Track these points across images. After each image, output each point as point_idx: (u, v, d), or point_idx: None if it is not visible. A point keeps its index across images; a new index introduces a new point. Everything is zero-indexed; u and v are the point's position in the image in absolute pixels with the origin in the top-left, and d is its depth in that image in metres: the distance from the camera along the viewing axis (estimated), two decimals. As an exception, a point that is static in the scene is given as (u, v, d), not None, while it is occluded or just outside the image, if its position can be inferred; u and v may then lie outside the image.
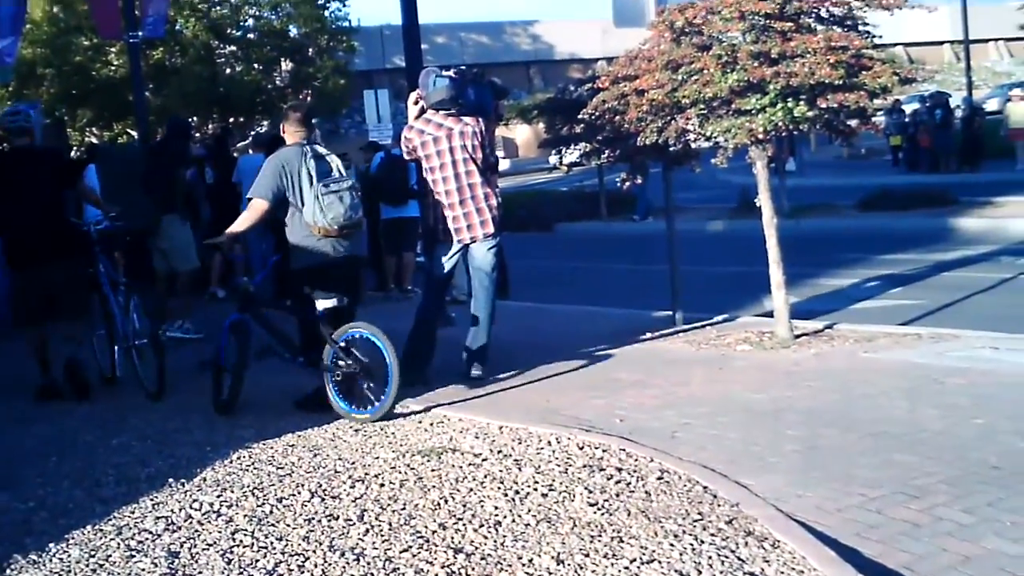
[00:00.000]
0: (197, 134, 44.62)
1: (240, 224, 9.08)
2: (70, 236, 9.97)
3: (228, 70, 46.35)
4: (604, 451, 6.94)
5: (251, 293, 9.21)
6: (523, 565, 5.08)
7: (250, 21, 47.74)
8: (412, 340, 9.57)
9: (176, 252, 12.69)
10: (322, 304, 8.63)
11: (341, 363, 8.49)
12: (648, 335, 10.98)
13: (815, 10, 9.64)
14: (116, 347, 10.32)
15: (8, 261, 10.13)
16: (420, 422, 8.11)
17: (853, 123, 9.97)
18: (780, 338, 10.10)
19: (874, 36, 9.66)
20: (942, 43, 74.60)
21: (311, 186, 8.62)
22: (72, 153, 30.22)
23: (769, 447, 6.87)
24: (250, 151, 17.94)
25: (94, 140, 41.43)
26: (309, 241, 8.75)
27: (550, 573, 4.97)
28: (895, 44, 62.14)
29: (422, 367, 9.50)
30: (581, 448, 7.04)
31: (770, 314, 10.75)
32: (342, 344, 8.50)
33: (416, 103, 9.67)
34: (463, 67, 10.26)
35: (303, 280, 8.81)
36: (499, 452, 7.09)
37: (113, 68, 41.43)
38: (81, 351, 10.19)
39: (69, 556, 5.75)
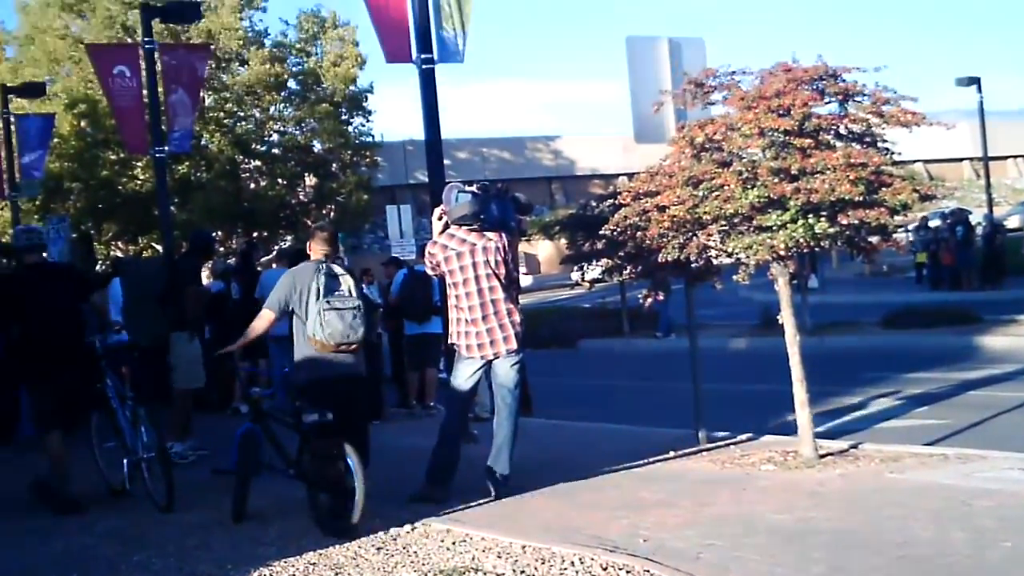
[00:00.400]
0: (221, 248, 45.07)
1: (248, 334, 9.38)
2: (83, 349, 10.25)
3: (252, 185, 46.85)
4: (628, 572, 6.86)
5: (262, 406, 9.48)
6: None
7: (274, 136, 48.34)
8: (436, 456, 9.55)
9: (181, 369, 12.59)
10: (307, 418, 8.81)
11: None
12: (672, 454, 10.89)
13: (834, 127, 9.69)
14: (126, 460, 10.30)
15: (22, 375, 10.40)
16: (442, 541, 8.03)
17: (874, 240, 9.95)
18: (805, 458, 10.00)
19: (893, 152, 9.69)
20: (962, 160, 74.98)
21: (316, 301, 8.90)
22: (98, 267, 30.42)
23: (794, 569, 6.76)
24: (274, 265, 18.06)
25: (119, 254, 41.73)
26: (311, 355, 8.99)
27: None
28: (915, 160, 62.45)
29: (445, 484, 9.46)
30: (604, 569, 6.95)
31: (794, 433, 10.66)
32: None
33: (440, 218, 9.73)
34: (487, 182, 10.33)
35: (305, 393, 9.04)
36: (521, 572, 7.01)
37: (139, 182, 41.92)
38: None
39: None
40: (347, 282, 9.13)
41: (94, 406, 10.54)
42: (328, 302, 8.90)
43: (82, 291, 10.71)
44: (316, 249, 9.41)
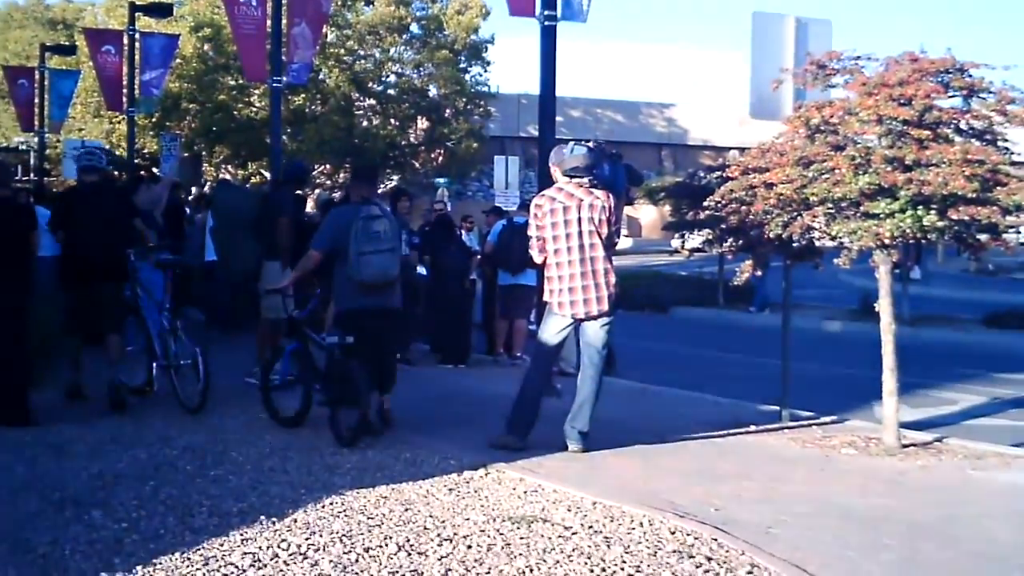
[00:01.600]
0: (328, 181, 45.45)
1: (297, 271, 10.51)
2: (119, 262, 11.32)
3: (365, 123, 47.17)
4: (696, 539, 6.88)
5: (295, 320, 10.52)
6: (601, 644, 5.04)
7: (392, 77, 48.59)
8: (517, 406, 9.64)
9: (269, 298, 12.64)
10: (328, 339, 9.88)
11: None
12: (753, 427, 10.86)
13: (955, 121, 9.55)
14: (155, 364, 11.53)
15: (61, 278, 11.39)
16: (514, 489, 8.10)
17: (983, 238, 9.80)
18: (887, 445, 9.93)
19: (1013, 152, 9.53)
20: (1083, 166, 73.40)
21: (355, 242, 9.75)
22: (206, 188, 30.86)
23: (864, 555, 6.74)
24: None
25: (228, 176, 42.27)
26: (348, 290, 9.91)
27: (628, 655, 4.93)
28: (1034, 163, 61.31)
29: (523, 434, 9.54)
30: (673, 533, 6.98)
31: (879, 420, 10.58)
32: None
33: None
34: (602, 142, 10.36)
35: (339, 323, 9.99)
36: (590, 527, 7.05)
37: (254, 109, 42.40)
38: (119, 371, 11.22)
39: (155, 581, 5.83)
40: (384, 224, 9.92)
41: (128, 313, 11.57)
42: (366, 244, 9.76)
43: (128, 212, 11.71)
44: (356, 192, 10.51)
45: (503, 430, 9.64)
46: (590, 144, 9.82)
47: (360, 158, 44.89)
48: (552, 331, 9.65)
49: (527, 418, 9.59)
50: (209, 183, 39.94)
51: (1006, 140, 9.56)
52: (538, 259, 9.74)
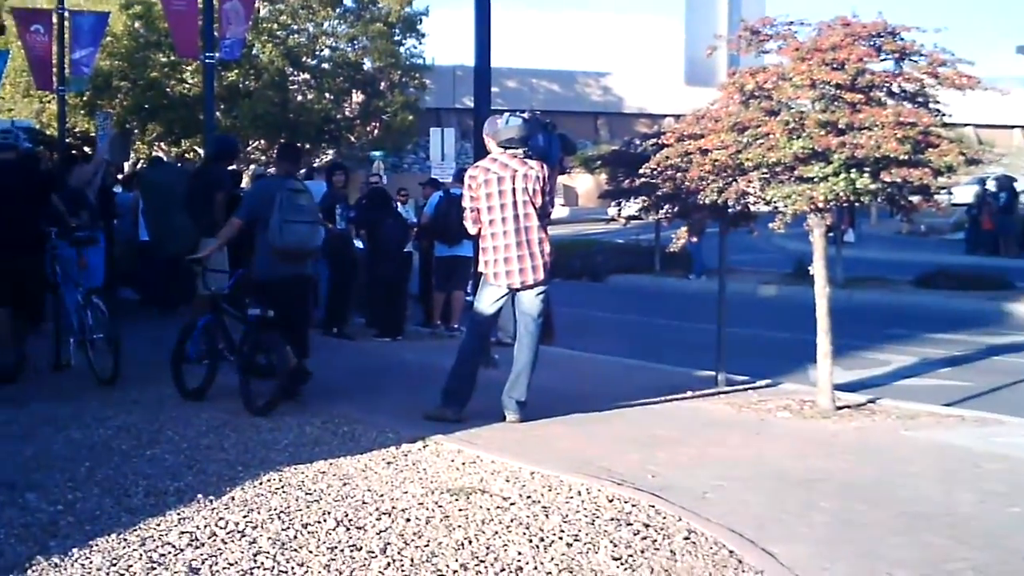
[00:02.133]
0: (263, 157, 45.13)
1: (219, 240, 10.87)
2: (34, 239, 11.58)
3: (299, 97, 46.78)
4: (633, 506, 6.91)
5: (216, 294, 10.76)
6: (539, 612, 5.06)
7: (325, 51, 48.21)
8: (452, 377, 9.66)
9: (211, 275, 12.56)
10: (251, 312, 10.15)
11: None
12: (689, 393, 10.92)
13: (887, 84, 9.61)
14: (72, 339, 11.79)
15: None
16: (452, 460, 8.11)
17: (915, 199, 9.88)
18: (821, 408, 10.02)
19: (944, 114, 9.60)
20: (1013, 127, 74.08)
21: (277, 212, 10.09)
22: (137, 165, 30.57)
23: (799, 516, 6.81)
24: (314, 176, 18.10)
25: (161, 154, 41.84)
26: (266, 259, 10.28)
27: (566, 623, 4.95)
28: (965, 124, 61.76)
29: (460, 405, 9.56)
30: (610, 501, 7.01)
31: (814, 383, 10.67)
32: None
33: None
34: (537, 112, 10.40)
35: (258, 291, 10.31)
36: (528, 497, 7.07)
37: (187, 86, 41.95)
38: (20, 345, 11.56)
39: (91, 563, 5.80)
40: (306, 199, 10.51)
41: (46, 290, 11.98)
42: (290, 213, 10.15)
43: (43, 190, 11.87)
44: (279, 166, 11.21)
45: (439, 402, 9.63)
46: (525, 115, 9.85)
47: (295, 133, 44.60)
48: (487, 301, 9.67)
49: (463, 389, 9.61)
50: (141, 161, 39.55)
51: (937, 102, 9.63)
52: (472, 230, 9.77)
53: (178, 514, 6.69)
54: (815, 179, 9.33)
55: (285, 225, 10.10)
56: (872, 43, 9.58)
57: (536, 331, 9.61)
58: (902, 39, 9.62)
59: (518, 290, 9.56)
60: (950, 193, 11.17)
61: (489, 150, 9.79)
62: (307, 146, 45.21)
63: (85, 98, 39.14)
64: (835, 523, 6.69)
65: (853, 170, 9.24)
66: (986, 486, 7.56)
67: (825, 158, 9.27)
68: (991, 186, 33.15)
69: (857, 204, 9.97)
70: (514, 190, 9.45)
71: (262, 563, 5.79)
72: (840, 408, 10.04)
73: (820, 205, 9.48)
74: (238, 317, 10.46)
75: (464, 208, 9.74)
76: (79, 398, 10.44)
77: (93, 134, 31.56)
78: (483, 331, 9.99)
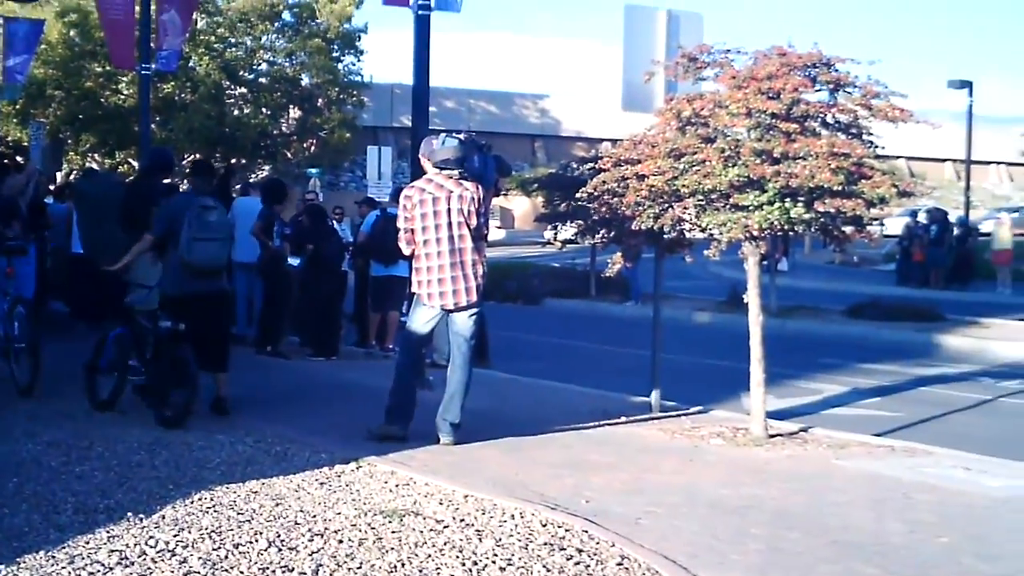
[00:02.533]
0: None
1: (131, 254, 10.87)
2: None
3: (236, 111, 46.64)
4: (567, 531, 6.91)
5: (128, 306, 10.86)
6: (472, 637, 5.04)
7: (263, 66, 48.15)
8: (393, 395, 9.64)
9: (141, 290, 12.48)
10: (162, 324, 10.28)
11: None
12: (623, 419, 10.95)
13: (821, 115, 9.70)
14: None
15: None
16: (386, 482, 8.07)
17: (848, 230, 9.98)
18: (754, 436, 10.08)
19: (877, 146, 9.72)
20: (944, 160, 75.12)
21: (188, 229, 10.21)
22: (70, 176, 30.26)
23: (732, 543, 6.83)
24: (250, 192, 17.98)
25: (95, 166, 41.47)
26: (178, 274, 10.38)
27: (499, 648, 4.93)
28: (898, 156, 62.60)
29: (404, 423, 9.55)
30: (544, 525, 7.00)
31: (747, 411, 10.73)
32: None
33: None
34: (473, 134, 10.45)
35: (168, 305, 10.41)
36: (461, 520, 7.05)
37: (122, 97, 41.71)
38: None
39: (18, 580, 5.70)
40: (216, 215, 10.55)
41: None
42: (199, 231, 10.26)
43: None
44: (192, 182, 11.32)
45: (383, 421, 9.61)
46: (461, 136, 9.85)
47: (231, 147, 44.43)
48: (420, 321, 9.64)
49: (405, 407, 9.60)
50: (75, 172, 39.17)
51: (870, 134, 9.76)
52: (406, 250, 9.73)
53: (108, 532, 6.60)
54: (750, 207, 9.39)
55: (194, 243, 10.23)
56: (807, 73, 9.69)
57: (469, 352, 9.60)
58: (837, 70, 9.74)
59: (451, 311, 9.54)
60: (882, 224, 11.31)
61: (425, 170, 9.77)
62: (243, 161, 45.04)
63: (18, 106, 38.78)
64: (767, 550, 6.73)
65: (788, 199, 9.32)
66: (916, 516, 7.63)
67: (760, 187, 9.34)
68: (922, 218, 33.59)
69: (791, 233, 10.04)
70: (449, 211, 9.41)
71: (192, 583, 5.73)
72: (772, 436, 10.10)
73: (755, 233, 9.55)
74: (149, 329, 10.52)
75: (399, 228, 9.70)
76: (7, 409, 10.32)
77: (25, 144, 31.25)
78: (416, 350, 9.95)
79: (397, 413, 9.58)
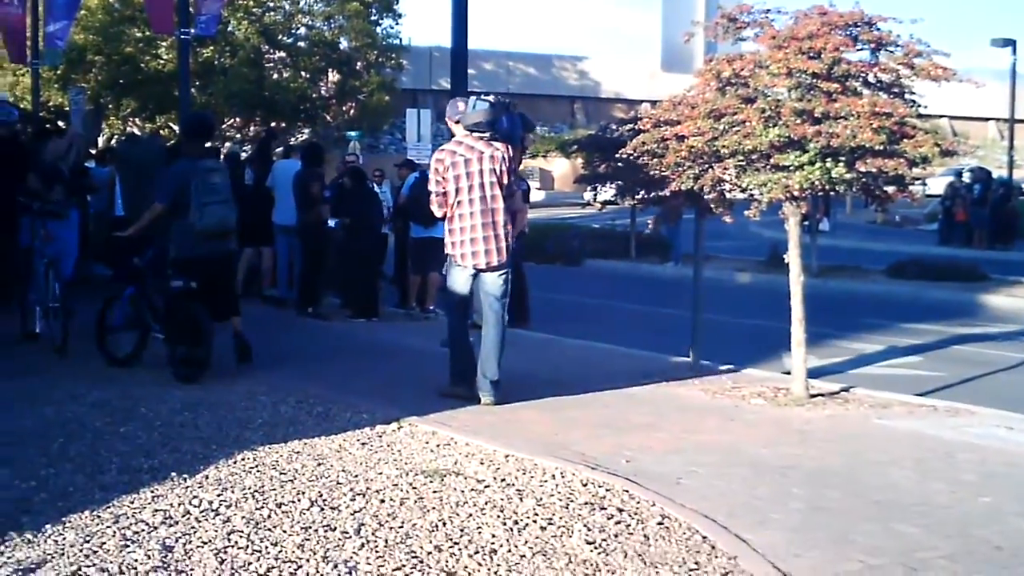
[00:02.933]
0: (239, 135, 44.95)
1: (142, 222, 11.05)
2: (14, 214, 12.56)
3: (275, 75, 46.65)
4: (607, 490, 6.93)
5: (139, 269, 11.08)
6: (514, 595, 5.07)
7: (302, 30, 48.09)
8: (453, 357, 9.90)
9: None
10: (174, 284, 10.56)
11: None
12: (664, 379, 10.95)
13: (863, 74, 9.62)
14: (38, 309, 12.17)
15: None
16: (427, 442, 8.11)
17: (890, 189, 9.92)
18: (795, 396, 10.06)
19: (919, 105, 9.63)
20: (988, 119, 74.41)
21: (196, 195, 10.44)
22: (112, 140, 30.40)
23: (772, 503, 6.84)
24: (291, 156, 18.03)
25: (135, 130, 41.63)
26: (188, 238, 10.58)
27: (540, 606, 4.96)
28: (940, 116, 62.05)
29: (468, 380, 9.72)
30: (584, 485, 7.03)
31: (788, 371, 10.71)
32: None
33: (456, 122, 9.90)
34: (498, 94, 10.50)
35: (179, 267, 10.65)
36: (502, 480, 7.08)
37: (162, 62, 41.73)
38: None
39: (64, 539, 5.78)
40: (220, 177, 10.81)
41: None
42: (206, 195, 10.49)
43: (22, 168, 12.78)
44: (191, 149, 11.27)
45: (449, 382, 9.85)
46: (490, 98, 9.91)
47: (270, 111, 44.48)
48: (459, 282, 9.76)
49: (466, 365, 9.78)
50: (116, 137, 39.36)
51: (913, 93, 9.66)
52: (439, 213, 9.80)
53: (152, 492, 6.68)
54: (791, 167, 9.35)
55: (204, 208, 10.47)
56: (849, 33, 9.59)
57: (501, 310, 9.71)
58: (878, 29, 9.64)
59: (483, 271, 9.65)
60: (925, 184, 11.23)
61: (454, 133, 9.89)
62: (283, 125, 45.11)
63: (59, 72, 38.92)
64: (807, 510, 6.72)
65: (829, 159, 9.26)
66: (958, 476, 7.60)
67: (801, 147, 9.28)
68: (966, 178, 33.31)
69: (832, 193, 10.01)
70: (481, 171, 9.55)
71: (236, 542, 5.78)
72: (813, 396, 10.08)
73: (795, 193, 9.50)
74: (161, 289, 10.80)
75: (430, 192, 9.76)
76: (50, 372, 10.44)
77: (67, 108, 31.38)
78: (460, 309, 10.01)
79: (460, 374, 9.83)
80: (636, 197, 12.19)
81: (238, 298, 11.52)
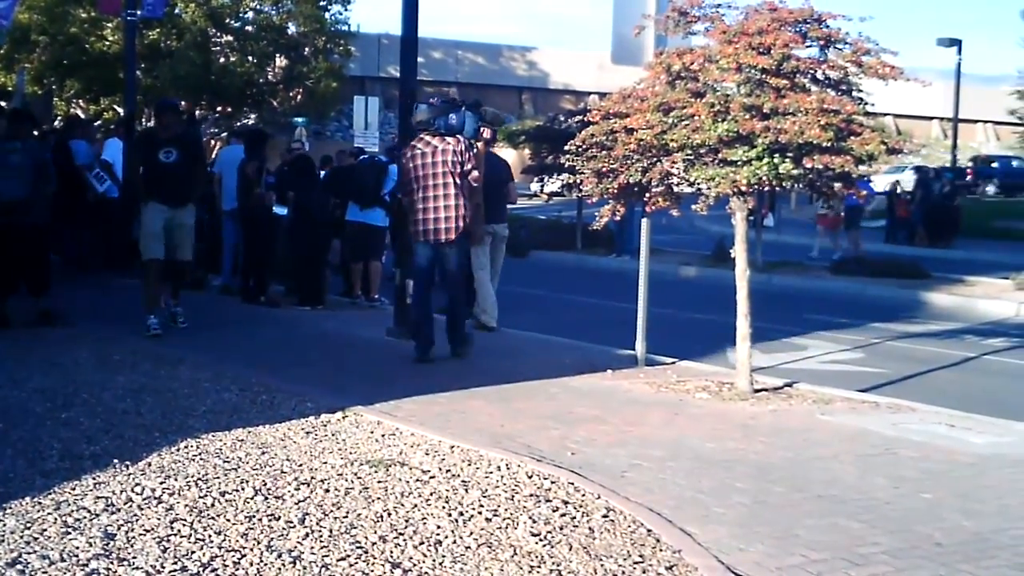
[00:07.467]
0: (185, 117, 44.50)
1: None
2: None
3: (222, 59, 46.29)
4: (552, 482, 6.93)
5: None
6: (459, 587, 5.06)
7: (249, 14, 47.74)
8: (412, 326, 11.54)
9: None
10: None
11: None
12: (609, 372, 10.98)
13: (812, 71, 9.69)
14: None
15: None
16: (372, 432, 8.09)
17: (836, 186, 9.99)
18: (739, 390, 10.11)
19: (867, 103, 9.71)
20: (932, 119, 75.03)
21: None
22: (55, 123, 30.08)
23: (716, 497, 6.87)
24: (232, 142, 17.90)
25: (79, 113, 41.21)
26: None
27: (485, 598, 4.95)
28: (886, 114, 62.45)
29: (424, 349, 11.18)
30: (530, 477, 7.03)
31: (732, 365, 10.76)
32: None
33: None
34: (447, 95, 11.28)
35: None
36: (447, 471, 7.07)
37: (107, 43, 41.30)
38: None
39: (4, 526, 5.72)
40: (17, 157, 11.95)
41: None
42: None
43: None
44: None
45: (414, 352, 11.22)
46: (432, 101, 11.51)
47: (217, 95, 44.16)
48: (421, 257, 11.32)
49: (424, 334, 11.22)
50: (60, 119, 38.93)
51: (860, 91, 9.74)
52: (406, 201, 11.32)
53: (94, 479, 6.61)
54: (738, 162, 9.39)
55: None
56: (798, 29, 9.65)
57: (459, 275, 11.50)
58: (828, 26, 9.71)
59: (440, 245, 11.14)
60: (870, 181, 11.29)
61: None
62: (229, 109, 44.78)
63: (2, 52, 38.45)
64: (752, 504, 6.76)
65: (776, 155, 9.32)
66: (899, 472, 7.66)
67: (749, 142, 9.33)
68: (909, 176, 33.60)
69: (779, 189, 10.06)
70: (435, 163, 11.09)
71: (179, 530, 5.73)
72: (758, 391, 10.14)
73: (743, 188, 9.55)
74: None
75: (399, 183, 11.31)
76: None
77: (10, 89, 31.01)
78: (422, 284, 11.44)
79: (418, 341, 11.23)
80: (583, 190, 12.18)
81: (46, 277, 12.42)
